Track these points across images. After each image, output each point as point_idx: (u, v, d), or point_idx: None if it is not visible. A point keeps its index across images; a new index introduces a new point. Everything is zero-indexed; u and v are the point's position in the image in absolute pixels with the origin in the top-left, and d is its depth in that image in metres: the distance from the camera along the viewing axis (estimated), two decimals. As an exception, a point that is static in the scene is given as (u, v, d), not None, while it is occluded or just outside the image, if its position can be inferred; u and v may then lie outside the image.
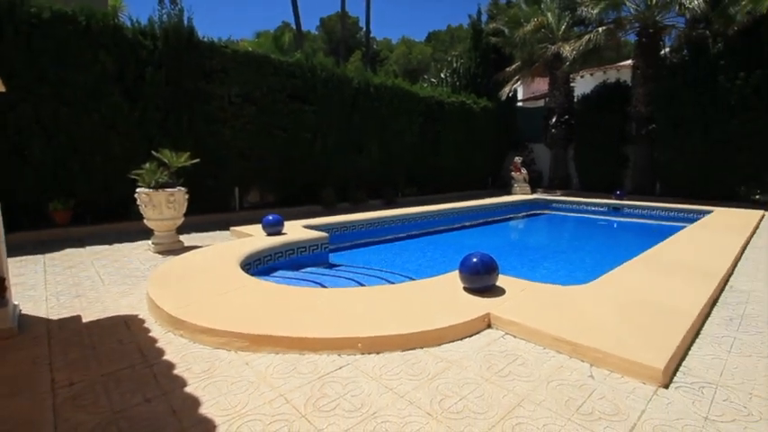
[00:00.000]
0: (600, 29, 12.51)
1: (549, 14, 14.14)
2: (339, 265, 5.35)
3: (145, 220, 5.32)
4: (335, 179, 10.39)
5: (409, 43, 44.36)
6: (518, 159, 14.08)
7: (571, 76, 14.90)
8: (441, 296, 3.17)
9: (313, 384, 2.13)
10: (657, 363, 2.15)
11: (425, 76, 20.26)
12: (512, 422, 1.83)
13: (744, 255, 5.05)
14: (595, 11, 12.13)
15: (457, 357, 2.41)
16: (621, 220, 9.93)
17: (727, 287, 3.78)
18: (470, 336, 2.69)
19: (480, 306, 2.94)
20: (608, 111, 13.16)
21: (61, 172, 6.60)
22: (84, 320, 3.03)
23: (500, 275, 3.33)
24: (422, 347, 2.52)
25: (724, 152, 10.63)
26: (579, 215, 10.70)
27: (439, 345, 2.55)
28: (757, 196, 10.05)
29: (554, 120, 14.61)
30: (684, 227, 6.64)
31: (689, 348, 2.53)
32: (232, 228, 6.40)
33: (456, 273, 3.37)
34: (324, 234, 5.64)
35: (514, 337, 2.68)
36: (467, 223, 9.03)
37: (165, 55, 7.38)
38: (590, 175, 13.97)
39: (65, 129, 6.52)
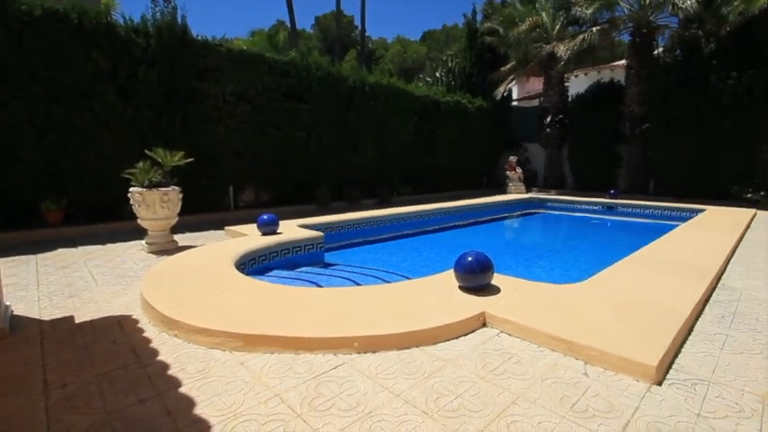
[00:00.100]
0: (594, 29, 12.58)
1: (543, 14, 14.20)
2: (334, 265, 5.35)
3: (138, 220, 5.28)
4: (330, 178, 10.37)
5: (404, 42, 44.37)
6: (513, 159, 14.12)
7: (565, 75, 14.98)
8: (436, 295, 3.18)
9: (308, 384, 2.12)
10: (650, 360, 2.17)
11: (421, 76, 20.31)
12: (507, 420, 1.84)
13: (736, 253, 5.11)
14: (589, 11, 12.20)
15: (452, 356, 2.42)
16: (615, 218, 10.00)
17: (719, 285, 3.81)
18: (466, 334, 2.69)
19: (475, 305, 2.95)
20: (602, 110, 13.23)
21: (53, 171, 6.53)
22: (77, 321, 3.00)
23: (495, 274, 3.34)
24: (417, 346, 2.52)
25: (716, 151, 10.73)
26: (574, 214, 10.77)
27: (434, 343, 2.56)
28: (749, 195, 10.15)
29: (549, 119, 14.68)
30: (677, 225, 6.70)
31: (682, 346, 2.55)
32: (227, 227, 6.38)
33: (451, 272, 3.38)
34: (319, 233, 5.63)
35: (509, 335, 2.69)
36: (462, 222, 9.06)
37: (158, 53, 7.33)
38: (584, 175, 14.05)
39: (57, 127, 6.45)
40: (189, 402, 1.97)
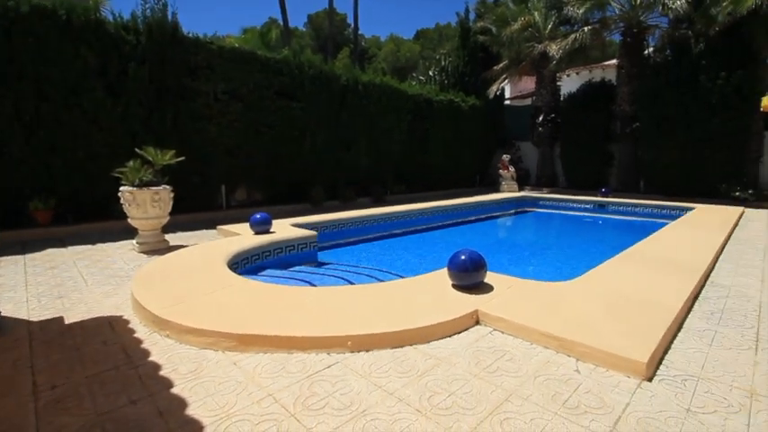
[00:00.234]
0: (585, 28, 12.67)
1: (535, 14, 14.28)
2: (328, 264, 5.34)
3: (129, 220, 5.22)
4: (324, 177, 10.34)
5: (398, 41, 44.34)
6: (506, 157, 14.19)
7: (558, 74, 15.09)
8: (429, 293, 3.18)
9: (302, 383, 2.12)
10: (641, 357, 2.19)
11: (414, 74, 20.28)
12: (500, 417, 1.85)
13: (724, 250, 5.18)
14: (581, 10, 12.28)
15: (446, 354, 2.43)
16: (607, 217, 10.10)
17: (708, 282, 3.87)
18: (459, 332, 2.70)
19: (469, 303, 2.97)
20: (593, 109, 13.34)
21: (42, 169, 6.44)
22: (66, 322, 2.96)
23: (488, 272, 3.35)
24: (411, 345, 2.53)
25: (705, 151, 10.86)
26: (566, 212, 10.85)
27: (428, 342, 2.57)
28: (737, 193, 10.30)
29: (541, 118, 14.77)
30: (667, 223, 6.78)
31: (672, 342, 2.59)
32: (219, 226, 6.33)
33: (445, 270, 3.38)
34: (312, 232, 5.62)
35: (502, 333, 2.70)
36: (455, 221, 9.09)
37: (148, 50, 7.24)
38: (576, 173, 14.16)
39: (45, 125, 6.35)
40: (181, 403, 1.95)
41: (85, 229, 6.46)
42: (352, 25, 29.43)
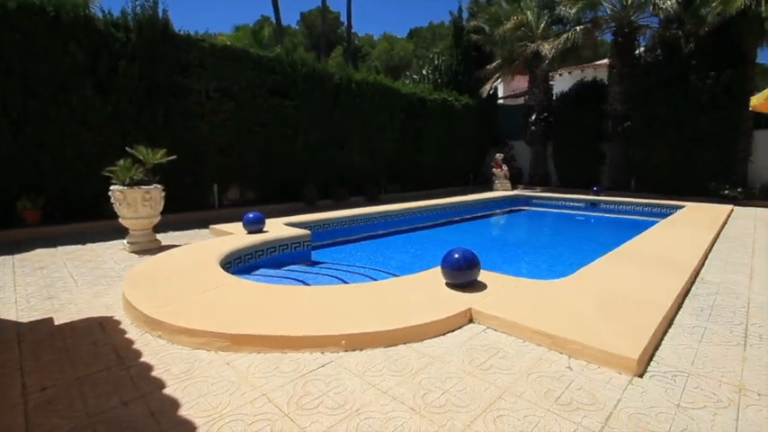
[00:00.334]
0: (578, 28, 12.75)
1: (528, 13, 14.33)
2: (321, 263, 5.32)
3: (120, 219, 5.16)
4: (317, 176, 10.31)
5: (391, 39, 44.28)
6: (499, 156, 14.26)
7: (550, 74, 15.14)
8: (423, 292, 3.19)
9: (296, 383, 2.11)
10: (632, 353, 2.22)
11: (407, 73, 20.29)
12: (493, 414, 1.86)
13: (714, 248, 5.25)
14: (573, 10, 12.36)
15: (439, 352, 2.43)
16: (598, 215, 10.19)
17: (698, 279, 3.92)
18: (453, 331, 2.71)
19: (462, 301, 2.97)
20: (585, 109, 13.43)
21: (29, 167, 6.35)
22: (56, 323, 2.93)
23: (482, 271, 3.37)
24: (405, 343, 2.53)
25: (695, 150, 10.98)
26: (558, 211, 10.93)
27: (422, 340, 2.57)
28: (726, 192, 10.44)
29: (533, 117, 14.84)
30: (658, 221, 6.85)
31: (662, 339, 2.62)
32: (211, 226, 6.28)
33: (438, 269, 3.39)
34: (306, 231, 5.60)
35: (495, 330, 2.72)
36: (449, 219, 9.11)
37: (138, 47, 7.17)
38: (568, 172, 14.25)
39: (33, 122, 6.26)
40: (173, 404, 1.94)
41: (75, 228, 6.38)
42: (346, 23, 29.37)
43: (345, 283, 4.13)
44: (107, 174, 5.11)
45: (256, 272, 4.57)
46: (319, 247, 6.14)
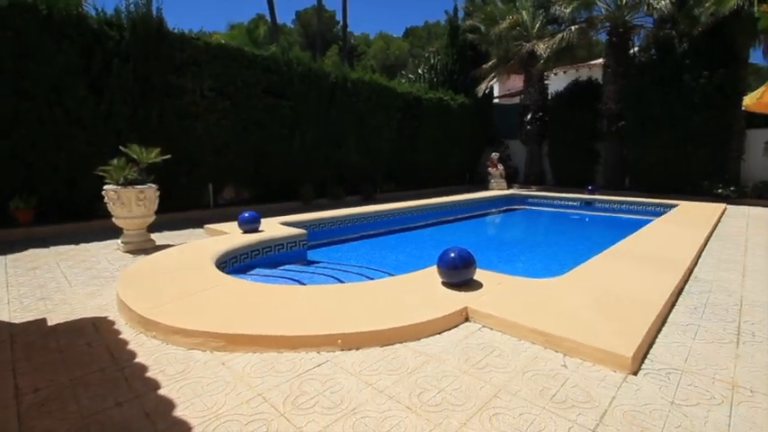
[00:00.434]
0: (572, 27, 12.80)
1: (523, 12, 14.38)
2: (318, 262, 5.32)
3: (113, 219, 5.13)
4: (313, 175, 10.29)
5: (387, 38, 44.22)
6: (495, 155, 14.29)
7: (545, 73, 15.21)
8: (419, 291, 3.19)
9: (292, 382, 2.11)
10: (626, 351, 2.23)
11: (403, 72, 20.27)
12: (489, 413, 1.86)
13: (707, 246, 5.29)
14: (568, 10, 12.42)
15: (435, 351, 2.44)
16: (593, 214, 10.24)
17: (691, 277, 3.95)
18: (449, 329, 2.72)
19: (458, 300, 2.98)
20: (580, 108, 13.49)
21: (22, 167, 6.29)
22: (49, 323, 2.90)
23: (477, 269, 3.37)
24: (401, 342, 2.53)
25: (688, 149, 11.07)
26: (553, 210, 10.98)
27: (418, 339, 2.57)
28: (719, 190, 10.53)
29: (529, 116, 14.89)
30: (652, 220, 6.90)
31: (656, 336, 2.63)
32: (206, 225, 6.25)
33: (434, 268, 3.39)
34: (302, 231, 5.59)
35: (491, 329, 2.72)
36: (445, 219, 9.12)
37: (132, 46, 7.11)
38: (563, 171, 14.32)
39: (25, 121, 6.20)
40: (169, 404, 1.93)
41: (69, 228, 6.33)
42: (341, 22, 29.30)
43: (341, 282, 4.12)
44: (101, 173, 5.07)
45: (252, 271, 4.55)
46: (315, 246, 6.13)
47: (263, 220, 5.73)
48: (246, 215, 5.46)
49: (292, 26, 42.89)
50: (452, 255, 3.25)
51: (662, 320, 2.86)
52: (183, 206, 7.90)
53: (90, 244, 5.50)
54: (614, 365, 2.23)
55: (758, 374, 2.21)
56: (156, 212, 5.37)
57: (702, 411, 1.89)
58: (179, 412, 1.87)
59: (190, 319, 2.64)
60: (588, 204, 10.54)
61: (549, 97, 15.02)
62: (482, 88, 15.39)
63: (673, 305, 3.18)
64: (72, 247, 5.36)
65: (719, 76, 10.32)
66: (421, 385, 2.08)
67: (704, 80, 10.46)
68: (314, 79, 10.07)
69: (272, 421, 1.80)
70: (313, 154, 10.23)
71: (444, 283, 3.29)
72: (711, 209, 8.20)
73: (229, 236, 5.27)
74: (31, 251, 5.11)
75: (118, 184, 4.99)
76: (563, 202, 11.02)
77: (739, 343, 2.58)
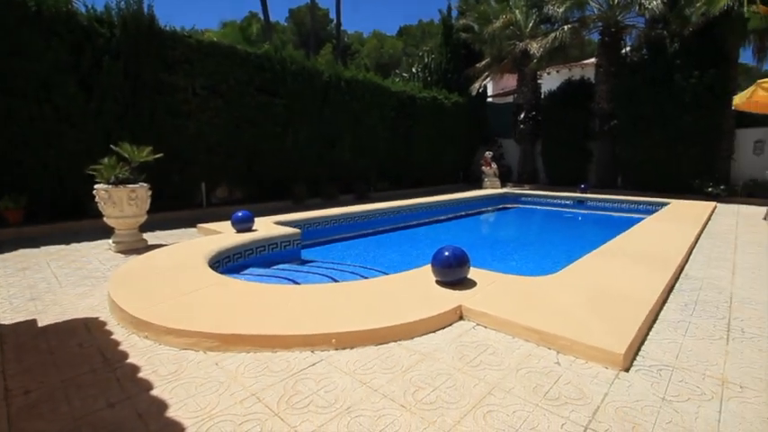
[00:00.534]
0: (565, 27, 12.86)
1: (517, 12, 14.43)
2: (311, 262, 5.30)
3: (105, 218, 5.07)
4: (307, 174, 10.26)
5: (381, 37, 44.17)
6: (488, 154, 14.34)
7: (538, 72, 15.28)
8: (413, 290, 3.20)
9: (286, 382, 2.10)
10: (618, 348, 2.25)
11: (397, 71, 20.29)
12: (483, 410, 1.87)
13: (698, 244, 5.36)
14: (561, 9, 12.48)
15: (430, 349, 2.44)
16: (586, 212, 10.33)
17: (682, 275, 3.99)
18: (443, 328, 2.73)
19: (452, 299, 2.99)
20: (573, 107, 13.58)
21: (11, 166, 6.20)
22: (40, 324, 2.86)
23: (471, 268, 3.39)
24: (395, 341, 2.53)
25: (679, 148, 11.18)
26: (547, 208, 11.05)
27: (412, 338, 2.58)
28: (710, 189, 10.66)
29: (522, 115, 14.96)
30: (643, 218, 6.97)
31: (648, 333, 2.66)
32: (199, 225, 6.21)
33: (428, 266, 3.40)
34: (296, 230, 5.57)
35: (485, 327, 2.74)
36: (439, 217, 9.14)
37: (123, 43, 7.03)
38: (556, 170, 14.41)
39: (15, 119, 6.11)
40: (161, 405, 1.91)
41: (59, 228, 6.26)
42: (335, 20, 29.22)
43: (335, 281, 4.12)
44: (91, 172, 5.02)
45: (245, 271, 4.53)
46: (309, 245, 6.12)
47: (256, 220, 5.70)
48: (240, 214, 5.43)
49: (285, 24, 42.69)
50: (446, 253, 3.26)
51: (653, 317, 2.89)
52: (175, 205, 7.84)
53: (81, 244, 5.44)
54: (607, 362, 2.25)
55: (748, 370, 2.24)
56: (148, 212, 5.32)
57: (693, 407, 1.92)
58: (172, 413, 1.85)
59: (182, 320, 2.62)
60: (581, 203, 10.62)
61: (543, 96, 15.09)
62: (476, 87, 15.44)
63: (664, 302, 3.22)
64: (63, 247, 5.29)
65: (710, 76, 10.43)
66: (415, 383, 2.08)
67: (695, 80, 10.57)
68: (307, 78, 10.03)
69: (266, 421, 1.80)
70: (306, 152, 10.20)
71: (438, 282, 3.30)
72: (702, 207, 8.29)
73: (223, 235, 5.24)
74: (21, 251, 5.05)
75: (109, 184, 4.94)
76: (556, 201, 11.10)
77: (729, 339, 2.61)
